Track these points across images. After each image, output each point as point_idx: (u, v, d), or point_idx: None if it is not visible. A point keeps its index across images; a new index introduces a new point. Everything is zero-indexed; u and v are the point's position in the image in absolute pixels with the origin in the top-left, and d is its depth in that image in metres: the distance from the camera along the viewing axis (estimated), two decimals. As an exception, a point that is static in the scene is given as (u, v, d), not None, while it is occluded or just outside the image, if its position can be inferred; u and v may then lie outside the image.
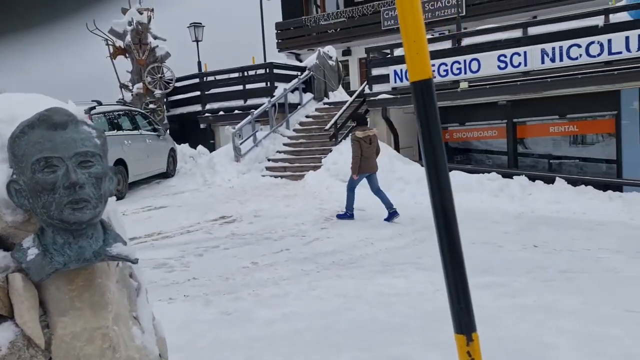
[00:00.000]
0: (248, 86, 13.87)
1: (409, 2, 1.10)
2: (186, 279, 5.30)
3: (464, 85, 10.49)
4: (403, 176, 9.93)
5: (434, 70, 10.76)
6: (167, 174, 12.09)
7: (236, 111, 13.70)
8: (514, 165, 12.21)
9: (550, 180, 9.81)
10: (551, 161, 12.32)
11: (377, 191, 8.05)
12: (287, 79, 13.76)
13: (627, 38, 9.00)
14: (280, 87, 13.20)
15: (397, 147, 11.94)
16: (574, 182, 9.85)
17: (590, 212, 8.68)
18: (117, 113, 10.80)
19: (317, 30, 20.77)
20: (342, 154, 10.38)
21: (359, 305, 4.32)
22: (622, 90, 10.76)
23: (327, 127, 11.24)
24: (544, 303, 4.28)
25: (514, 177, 9.95)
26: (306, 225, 7.74)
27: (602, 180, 9.99)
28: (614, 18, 9.42)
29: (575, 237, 6.94)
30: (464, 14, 17.78)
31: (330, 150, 10.86)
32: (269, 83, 13.49)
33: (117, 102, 14.27)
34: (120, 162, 10.14)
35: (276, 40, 21.60)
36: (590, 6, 12.90)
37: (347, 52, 20.77)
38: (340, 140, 11.15)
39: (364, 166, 7.83)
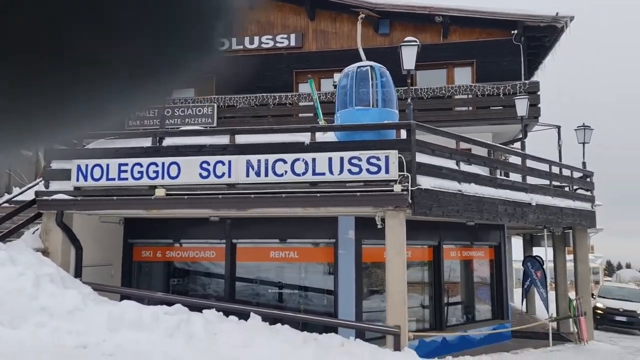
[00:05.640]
0: None
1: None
2: None
3: (160, 192, 8.60)
4: (49, 305, 7.18)
5: (125, 171, 8.75)
6: None
7: None
8: (230, 293, 10.46)
9: (245, 316, 8.06)
10: (271, 290, 10.91)
11: None
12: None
13: (330, 159, 8.26)
14: None
15: (79, 265, 9.22)
16: (280, 319, 8.27)
17: (278, 360, 7.01)
18: None
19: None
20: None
21: None
22: (340, 218, 10.09)
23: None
24: None
25: (204, 310, 7.98)
26: None
27: (299, 317, 8.64)
28: (322, 137, 8.77)
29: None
30: (214, 125, 16.80)
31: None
32: None
33: None
34: None
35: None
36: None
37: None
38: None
39: None
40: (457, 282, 12.57)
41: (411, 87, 14.84)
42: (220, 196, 8.49)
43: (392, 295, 8.21)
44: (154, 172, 8.65)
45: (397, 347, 7.91)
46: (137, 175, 8.69)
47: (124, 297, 8.88)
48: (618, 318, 17.60)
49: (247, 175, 8.47)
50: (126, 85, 0.48)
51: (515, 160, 11.98)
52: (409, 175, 8.09)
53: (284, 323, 7.98)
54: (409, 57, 8.93)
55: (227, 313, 8.10)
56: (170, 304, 7.92)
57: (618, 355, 11.79)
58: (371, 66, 9.11)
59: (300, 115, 17.12)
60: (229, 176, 8.50)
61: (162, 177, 8.62)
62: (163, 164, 8.63)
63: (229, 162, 8.51)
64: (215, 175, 8.54)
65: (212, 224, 10.34)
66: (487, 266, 13.16)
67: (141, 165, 8.68)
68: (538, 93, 15.55)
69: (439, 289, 11.36)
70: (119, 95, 0.49)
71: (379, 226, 8.60)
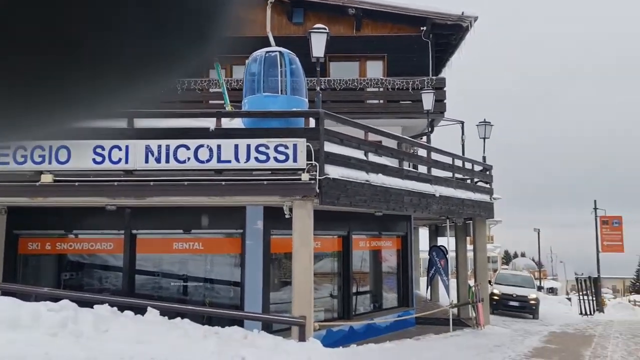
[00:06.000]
0: None
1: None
2: None
3: (46, 178, 7.84)
4: None
5: (6, 155, 7.88)
6: None
7: None
8: (129, 287, 9.85)
9: (144, 311, 7.58)
10: (174, 283, 10.41)
11: None
12: None
13: (236, 146, 7.95)
14: None
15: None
16: (178, 313, 7.87)
17: (176, 356, 6.64)
18: None
19: None
20: None
21: None
22: (247, 207, 9.81)
23: None
24: None
25: (95, 305, 7.38)
26: None
27: (200, 310, 8.30)
28: (228, 123, 8.43)
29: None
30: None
31: None
32: None
33: None
34: None
35: None
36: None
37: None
38: None
39: None
40: (365, 272, 12.75)
41: (324, 78, 14.87)
42: (116, 183, 7.90)
43: (298, 285, 8.09)
44: (40, 156, 7.87)
45: (302, 338, 7.80)
46: (20, 159, 7.87)
47: (6, 294, 8.02)
48: (512, 303, 18.79)
49: (147, 162, 7.94)
50: (125, 82, 0.48)
51: (421, 153, 12.32)
52: (317, 165, 7.98)
53: (187, 317, 7.60)
54: (318, 45, 8.79)
55: (123, 308, 7.57)
56: (59, 299, 7.26)
57: (510, 337, 12.56)
58: (280, 52, 8.88)
59: (210, 102, 16.53)
60: (126, 162, 7.93)
61: (50, 162, 7.86)
62: (50, 147, 7.86)
63: (127, 146, 7.94)
64: (111, 161, 7.93)
65: (110, 214, 9.64)
66: (394, 256, 13.47)
67: (25, 149, 7.83)
68: (444, 89, 16.13)
69: (348, 278, 11.43)
70: (118, 92, 0.49)
71: (287, 216, 8.44)
